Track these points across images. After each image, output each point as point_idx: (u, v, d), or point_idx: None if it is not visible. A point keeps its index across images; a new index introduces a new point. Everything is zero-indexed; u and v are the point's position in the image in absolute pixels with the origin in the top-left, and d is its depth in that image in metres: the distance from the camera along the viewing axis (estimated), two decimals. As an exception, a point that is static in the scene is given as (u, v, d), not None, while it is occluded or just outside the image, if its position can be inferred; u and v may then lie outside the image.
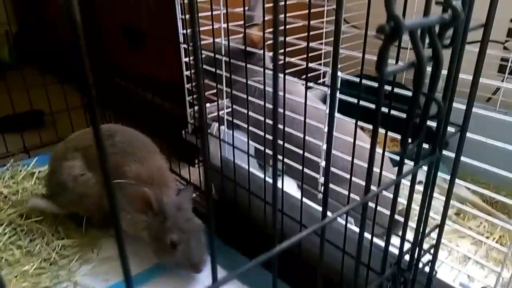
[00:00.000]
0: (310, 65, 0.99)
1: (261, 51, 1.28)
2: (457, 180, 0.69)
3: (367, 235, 1.00)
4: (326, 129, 1.06)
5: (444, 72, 0.54)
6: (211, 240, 0.40)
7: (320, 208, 1.05)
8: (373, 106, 0.87)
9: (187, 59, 1.40)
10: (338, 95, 1.01)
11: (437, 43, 0.44)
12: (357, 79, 0.87)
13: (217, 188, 1.52)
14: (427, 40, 0.46)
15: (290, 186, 1.45)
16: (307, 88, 1.04)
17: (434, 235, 0.76)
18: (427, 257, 0.79)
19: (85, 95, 0.31)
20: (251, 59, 1.31)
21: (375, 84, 0.46)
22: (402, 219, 0.65)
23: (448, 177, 0.68)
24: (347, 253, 0.96)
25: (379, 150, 0.80)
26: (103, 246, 1.41)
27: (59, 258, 1.33)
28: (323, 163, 1.11)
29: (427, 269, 0.79)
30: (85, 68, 0.29)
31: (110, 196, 0.34)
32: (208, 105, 1.48)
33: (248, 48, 1.14)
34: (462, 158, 0.70)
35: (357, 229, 1.01)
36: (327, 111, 1.06)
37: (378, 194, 0.73)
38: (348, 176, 0.94)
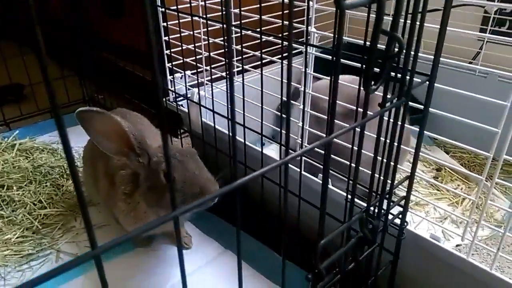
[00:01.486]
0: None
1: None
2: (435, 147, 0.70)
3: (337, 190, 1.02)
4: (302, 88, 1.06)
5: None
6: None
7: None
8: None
9: (165, 24, 1.37)
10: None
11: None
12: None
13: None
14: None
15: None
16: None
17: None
18: (399, 210, 0.81)
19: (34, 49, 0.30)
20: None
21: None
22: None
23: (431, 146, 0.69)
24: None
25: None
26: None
27: (42, 227, 1.34)
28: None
29: (400, 223, 0.82)
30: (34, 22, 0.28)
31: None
32: (188, 72, 1.46)
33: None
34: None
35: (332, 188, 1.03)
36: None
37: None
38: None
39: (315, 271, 0.57)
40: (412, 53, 0.59)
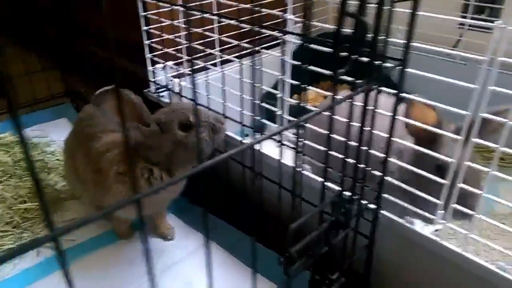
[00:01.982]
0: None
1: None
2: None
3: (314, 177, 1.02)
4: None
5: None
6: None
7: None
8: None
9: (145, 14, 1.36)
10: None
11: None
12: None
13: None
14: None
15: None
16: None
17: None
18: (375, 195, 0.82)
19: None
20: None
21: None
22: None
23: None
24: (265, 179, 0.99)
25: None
26: (67, 208, 1.40)
27: (22, 221, 1.32)
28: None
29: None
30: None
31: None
32: (170, 63, 1.45)
33: None
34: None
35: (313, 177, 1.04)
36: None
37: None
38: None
39: (287, 255, 0.58)
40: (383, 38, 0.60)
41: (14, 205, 1.37)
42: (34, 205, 1.39)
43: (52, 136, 1.83)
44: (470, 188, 0.82)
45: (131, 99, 0.97)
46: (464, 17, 1.62)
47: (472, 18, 1.60)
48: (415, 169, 0.88)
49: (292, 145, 1.05)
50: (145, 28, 1.38)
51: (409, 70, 0.69)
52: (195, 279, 1.15)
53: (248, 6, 1.13)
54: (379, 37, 0.58)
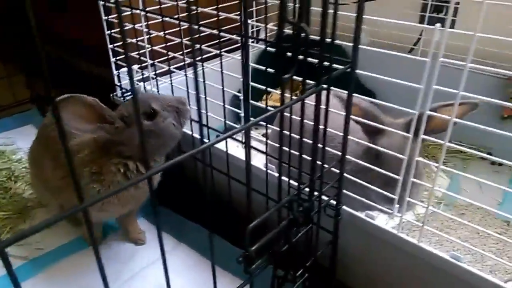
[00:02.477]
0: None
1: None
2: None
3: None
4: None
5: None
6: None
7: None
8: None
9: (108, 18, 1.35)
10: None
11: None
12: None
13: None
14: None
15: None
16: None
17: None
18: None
19: None
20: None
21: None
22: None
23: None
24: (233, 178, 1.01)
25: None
26: (35, 216, 1.38)
27: (-13, 231, 1.30)
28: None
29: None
30: None
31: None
32: (135, 67, 1.44)
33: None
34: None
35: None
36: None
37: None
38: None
39: (246, 254, 0.60)
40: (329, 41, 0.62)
41: (-26, 214, 1.34)
42: (1, 214, 1.37)
43: (18, 143, 1.79)
44: (416, 180, 0.87)
45: (88, 102, 0.97)
46: (423, 16, 1.68)
47: (431, 17, 1.66)
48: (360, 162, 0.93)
49: (254, 146, 1.07)
50: (107, 32, 1.37)
51: (366, 72, 0.72)
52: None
53: (207, 10, 1.14)
54: (326, 40, 0.60)
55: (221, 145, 1.22)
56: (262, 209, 0.92)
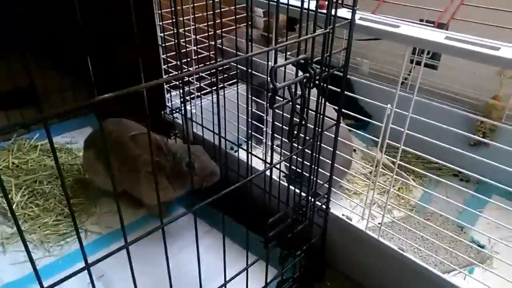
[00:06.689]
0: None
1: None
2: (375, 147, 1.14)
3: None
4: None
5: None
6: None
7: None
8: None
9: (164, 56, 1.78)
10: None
11: (303, 90, 0.87)
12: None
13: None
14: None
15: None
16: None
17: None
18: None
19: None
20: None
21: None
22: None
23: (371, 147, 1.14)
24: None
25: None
26: (103, 203, 1.83)
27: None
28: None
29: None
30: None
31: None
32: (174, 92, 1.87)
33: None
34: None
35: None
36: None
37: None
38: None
39: (266, 238, 1.02)
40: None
41: (63, 200, 1.79)
42: (77, 200, 1.82)
43: (80, 142, 2.24)
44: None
45: (153, 137, 1.41)
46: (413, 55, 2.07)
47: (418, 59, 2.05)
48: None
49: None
50: (164, 66, 1.80)
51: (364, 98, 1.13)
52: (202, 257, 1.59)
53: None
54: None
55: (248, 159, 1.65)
56: (274, 206, 1.35)
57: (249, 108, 1.26)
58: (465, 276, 1.49)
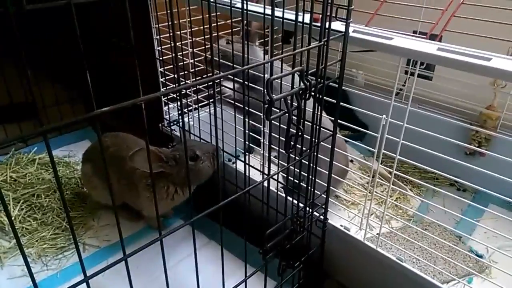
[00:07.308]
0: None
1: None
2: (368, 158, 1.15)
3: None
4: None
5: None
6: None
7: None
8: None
9: (162, 69, 1.80)
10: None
11: (299, 101, 0.88)
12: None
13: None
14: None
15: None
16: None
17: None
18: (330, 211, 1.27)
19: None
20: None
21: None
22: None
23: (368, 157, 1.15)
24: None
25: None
26: (101, 216, 1.83)
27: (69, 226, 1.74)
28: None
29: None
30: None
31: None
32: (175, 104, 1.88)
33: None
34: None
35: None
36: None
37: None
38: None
39: (264, 249, 1.03)
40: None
41: (61, 214, 1.79)
42: (76, 213, 1.82)
43: (79, 155, 2.24)
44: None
45: (152, 150, 1.42)
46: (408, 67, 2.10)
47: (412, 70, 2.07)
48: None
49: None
50: (162, 79, 1.82)
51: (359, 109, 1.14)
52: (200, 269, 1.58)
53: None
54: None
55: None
56: (272, 217, 1.36)
57: (246, 120, 1.27)
58: (464, 286, 1.49)
